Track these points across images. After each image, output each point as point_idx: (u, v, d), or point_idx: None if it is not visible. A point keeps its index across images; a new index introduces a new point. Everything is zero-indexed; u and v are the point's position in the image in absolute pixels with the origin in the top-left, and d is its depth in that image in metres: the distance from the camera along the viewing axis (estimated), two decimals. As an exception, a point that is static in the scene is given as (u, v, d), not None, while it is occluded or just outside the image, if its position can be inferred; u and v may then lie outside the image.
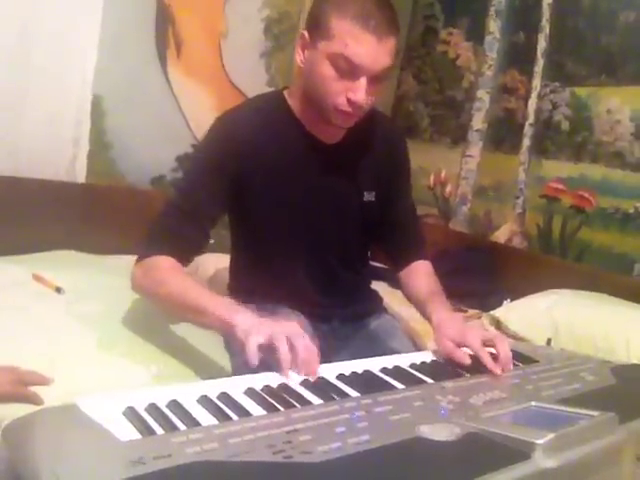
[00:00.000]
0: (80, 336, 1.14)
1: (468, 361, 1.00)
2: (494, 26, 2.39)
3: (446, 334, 1.07)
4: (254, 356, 0.85)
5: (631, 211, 1.95)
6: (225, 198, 1.15)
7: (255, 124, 1.16)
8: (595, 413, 0.73)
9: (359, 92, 1.05)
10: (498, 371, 0.96)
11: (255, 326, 0.90)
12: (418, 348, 1.29)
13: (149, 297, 1.11)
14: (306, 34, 1.10)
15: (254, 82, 2.21)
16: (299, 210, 1.20)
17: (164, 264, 1.06)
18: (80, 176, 1.89)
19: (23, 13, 1.71)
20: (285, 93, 1.22)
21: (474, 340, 1.03)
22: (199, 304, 0.98)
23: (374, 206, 1.27)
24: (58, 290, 1.31)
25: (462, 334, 1.05)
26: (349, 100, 1.07)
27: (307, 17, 1.13)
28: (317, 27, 1.07)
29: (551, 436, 0.64)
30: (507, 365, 0.99)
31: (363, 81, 1.05)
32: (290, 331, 0.89)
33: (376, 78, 1.07)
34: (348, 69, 1.04)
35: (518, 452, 0.63)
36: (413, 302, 1.28)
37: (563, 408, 0.77)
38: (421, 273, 1.30)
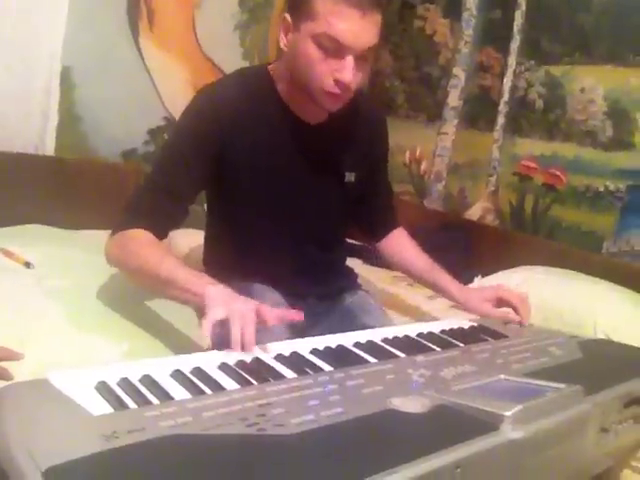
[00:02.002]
0: (50, 311, 1.12)
1: (518, 319, 1.21)
2: (471, 3, 2.38)
3: (484, 297, 1.27)
4: (206, 330, 0.86)
5: (601, 189, 1.98)
6: (204, 174, 1.14)
7: (237, 100, 1.14)
8: (562, 386, 0.75)
9: (346, 72, 1.03)
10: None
11: (220, 300, 0.90)
12: (391, 323, 1.30)
13: (122, 268, 1.10)
14: (288, 17, 1.07)
15: (228, 55, 2.17)
16: (279, 188, 1.19)
17: (140, 236, 1.05)
18: (49, 149, 1.85)
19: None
20: (269, 69, 1.20)
21: (511, 294, 1.26)
22: (171, 275, 0.97)
23: (354, 187, 1.28)
24: (27, 265, 1.29)
25: (495, 294, 1.26)
26: (336, 81, 1.04)
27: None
28: (299, 8, 1.04)
29: (519, 408, 0.66)
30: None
31: (349, 60, 1.02)
32: (246, 312, 0.88)
33: (362, 57, 1.05)
34: (333, 48, 1.02)
35: (486, 423, 0.64)
36: (410, 273, 1.41)
37: (531, 381, 0.79)
38: (406, 242, 1.41)
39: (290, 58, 1.10)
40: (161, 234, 1.08)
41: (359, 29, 1.01)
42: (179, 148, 1.13)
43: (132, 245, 1.05)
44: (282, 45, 1.10)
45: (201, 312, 0.98)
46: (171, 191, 1.09)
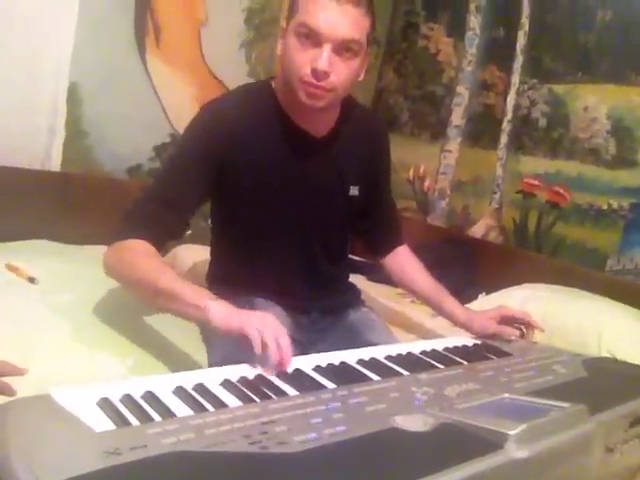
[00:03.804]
0: (54, 327, 1.12)
1: (517, 332, 1.26)
2: (474, 22, 2.40)
3: (488, 316, 1.28)
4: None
5: (605, 207, 1.98)
6: (207, 187, 1.14)
7: (241, 114, 1.15)
8: (566, 405, 0.75)
9: (320, 59, 1.04)
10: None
11: (230, 314, 0.91)
12: (394, 340, 1.30)
13: (119, 279, 1.08)
14: (283, 23, 1.12)
15: (234, 72, 2.19)
16: (283, 202, 1.20)
17: (138, 247, 1.04)
18: (55, 165, 1.86)
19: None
20: (272, 83, 1.21)
21: (515, 311, 1.31)
22: (171, 289, 0.97)
23: (358, 200, 1.29)
24: (32, 280, 1.29)
25: (499, 313, 1.29)
26: (313, 70, 1.05)
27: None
28: (289, 9, 1.10)
29: (523, 427, 0.65)
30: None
31: (326, 48, 1.04)
32: (263, 323, 0.89)
33: (342, 50, 1.06)
34: (310, 37, 1.05)
35: (491, 442, 0.64)
36: (415, 293, 1.42)
37: (535, 400, 0.79)
38: (411, 262, 1.41)
39: (282, 60, 1.12)
40: (158, 245, 1.07)
41: (334, 18, 1.04)
42: (181, 161, 1.14)
43: (129, 256, 1.04)
44: (278, 51, 1.13)
45: (206, 330, 0.97)
46: (171, 202, 1.09)
